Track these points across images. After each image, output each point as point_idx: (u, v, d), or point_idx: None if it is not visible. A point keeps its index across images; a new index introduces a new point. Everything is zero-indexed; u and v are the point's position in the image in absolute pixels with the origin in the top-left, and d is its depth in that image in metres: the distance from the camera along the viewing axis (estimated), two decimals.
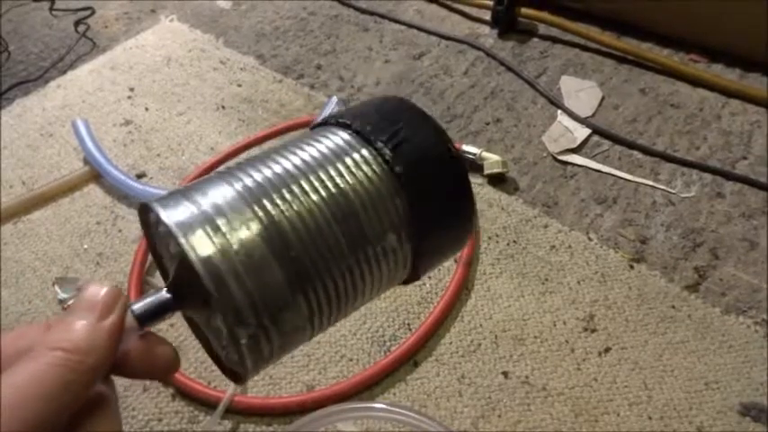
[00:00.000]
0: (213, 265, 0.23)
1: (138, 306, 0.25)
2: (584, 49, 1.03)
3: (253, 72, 1.03)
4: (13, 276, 0.76)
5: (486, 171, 0.82)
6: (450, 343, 0.66)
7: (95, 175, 0.86)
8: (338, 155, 0.27)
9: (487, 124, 0.92)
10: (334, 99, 0.91)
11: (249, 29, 1.13)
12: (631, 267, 0.72)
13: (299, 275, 0.24)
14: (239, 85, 1.01)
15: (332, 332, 0.67)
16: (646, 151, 0.86)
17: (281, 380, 0.64)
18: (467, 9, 1.13)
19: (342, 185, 0.26)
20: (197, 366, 0.65)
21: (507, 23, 1.07)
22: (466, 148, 0.84)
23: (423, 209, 0.27)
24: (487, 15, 1.09)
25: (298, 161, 0.27)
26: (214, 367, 0.65)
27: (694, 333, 0.66)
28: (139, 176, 0.87)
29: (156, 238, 0.28)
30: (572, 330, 0.67)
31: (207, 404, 0.62)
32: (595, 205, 0.80)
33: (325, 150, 0.27)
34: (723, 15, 0.94)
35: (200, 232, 0.23)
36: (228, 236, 0.23)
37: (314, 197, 0.25)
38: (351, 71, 1.03)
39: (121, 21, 1.19)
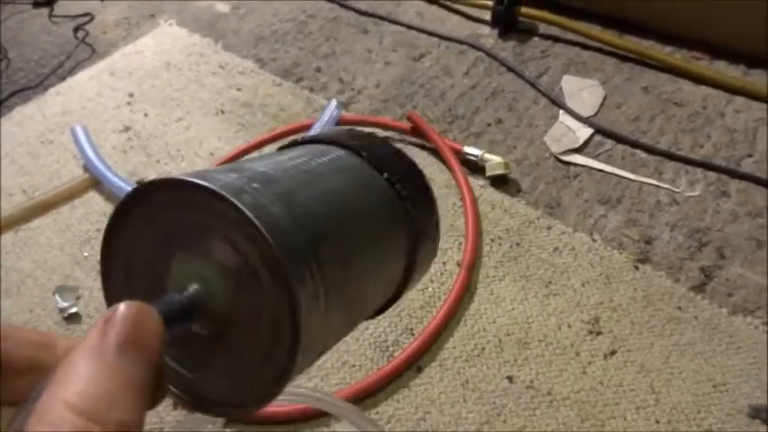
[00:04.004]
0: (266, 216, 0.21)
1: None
2: (586, 47, 1.02)
3: (252, 76, 1.03)
4: (14, 285, 0.75)
5: (489, 173, 0.81)
6: (454, 347, 0.66)
7: (95, 183, 0.86)
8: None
9: (489, 125, 0.91)
10: (334, 102, 0.90)
11: (248, 32, 1.13)
12: (636, 268, 0.71)
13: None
14: (238, 90, 1.00)
15: None
16: (649, 150, 0.85)
17: None
18: (467, 9, 1.12)
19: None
20: None
21: (507, 23, 1.06)
22: (468, 149, 0.83)
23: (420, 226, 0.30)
24: (488, 15, 1.08)
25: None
26: None
27: (701, 334, 0.65)
28: (139, 183, 0.86)
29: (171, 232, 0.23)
30: (577, 333, 0.66)
31: None
32: (599, 206, 0.79)
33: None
34: (725, 12, 0.93)
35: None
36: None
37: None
38: (350, 73, 1.02)
39: (121, 26, 1.19)
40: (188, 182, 0.22)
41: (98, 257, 0.24)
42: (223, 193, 0.21)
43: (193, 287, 0.22)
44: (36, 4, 1.25)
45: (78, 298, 0.73)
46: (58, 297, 0.73)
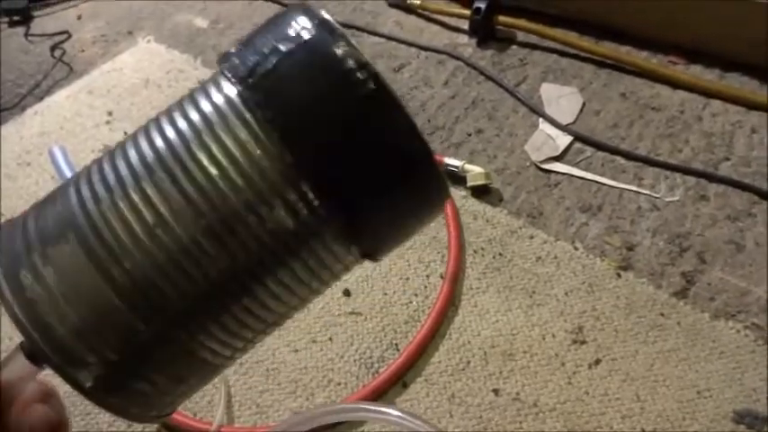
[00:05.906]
0: (22, 305, 0.19)
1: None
2: (563, 54, 1.03)
3: None
4: None
5: (470, 183, 0.81)
6: (439, 362, 0.66)
7: None
8: (200, 114, 0.22)
9: (469, 135, 0.91)
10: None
11: (227, 47, 1.12)
12: (619, 276, 0.72)
13: (145, 294, 0.20)
14: None
15: (318, 357, 0.66)
16: (628, 156, 0.85)
17: (268, 408, 0.63)
18: (445, 19, 1.13)
19: (197, 160, 0.21)
20: None
21: (486, 32, 1.06)
22: (448, 161, 0.83)
23: (324, 166, 0.21)
24: (466, 25, 1.08)
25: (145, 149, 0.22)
26: (199, 397, 0.64)
27: (684, 340, 0.66)
28: None
29: None
30: (561, 343, 0.66)
31: None
32: (580, 213, 0.79)
33: (191, 116, 0.22)
34: (700, 16, 0.94)
35: (10, 270, 0.20)
36: (44, 266, 0.20)
37: (164, 186, 0.20)
38: None
39: (98, 44, 1.18)
40: None
41: None
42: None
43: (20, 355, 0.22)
44: (12, 23, 1.24)
45: None
46: None
